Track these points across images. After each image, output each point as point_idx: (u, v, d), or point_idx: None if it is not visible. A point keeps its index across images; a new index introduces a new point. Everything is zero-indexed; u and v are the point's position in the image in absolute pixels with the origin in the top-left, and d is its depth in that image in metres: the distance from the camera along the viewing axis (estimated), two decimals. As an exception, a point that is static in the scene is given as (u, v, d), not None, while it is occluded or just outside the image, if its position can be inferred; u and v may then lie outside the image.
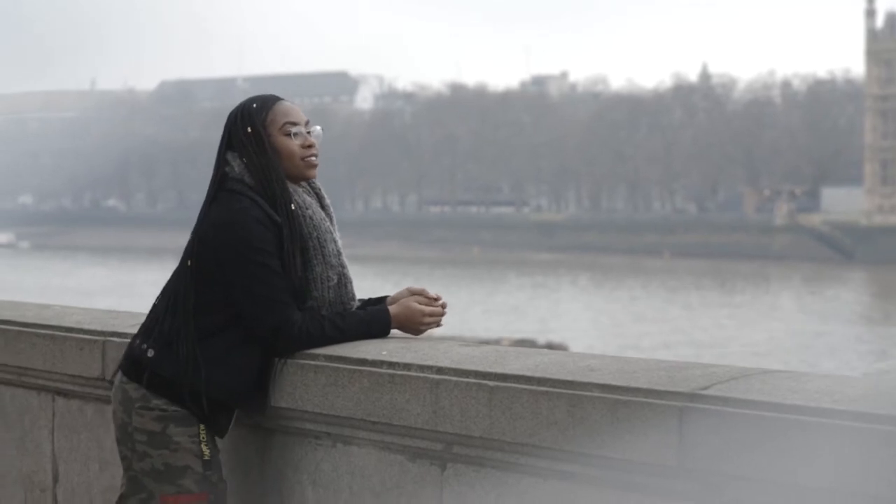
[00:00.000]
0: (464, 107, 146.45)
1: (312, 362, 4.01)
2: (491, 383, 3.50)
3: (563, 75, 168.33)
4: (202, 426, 3.97)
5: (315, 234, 4.03)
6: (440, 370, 3.67)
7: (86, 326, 4.95)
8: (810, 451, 2.83)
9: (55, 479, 5.14)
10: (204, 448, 3.96)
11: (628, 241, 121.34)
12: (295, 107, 4.11)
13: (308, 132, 4.09)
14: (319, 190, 4.20)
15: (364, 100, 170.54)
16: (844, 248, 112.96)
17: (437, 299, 4.18)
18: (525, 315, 60.62)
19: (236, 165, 4.02)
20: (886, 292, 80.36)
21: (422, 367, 3.72)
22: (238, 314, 3.97)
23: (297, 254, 3.99)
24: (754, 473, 2.93)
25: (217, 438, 4.08)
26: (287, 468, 4.16)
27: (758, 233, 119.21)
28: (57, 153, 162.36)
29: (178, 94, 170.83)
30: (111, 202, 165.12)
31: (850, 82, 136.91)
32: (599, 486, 3.28)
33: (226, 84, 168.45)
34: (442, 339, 4.16)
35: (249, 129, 4.03)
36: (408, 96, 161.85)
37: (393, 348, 3.94)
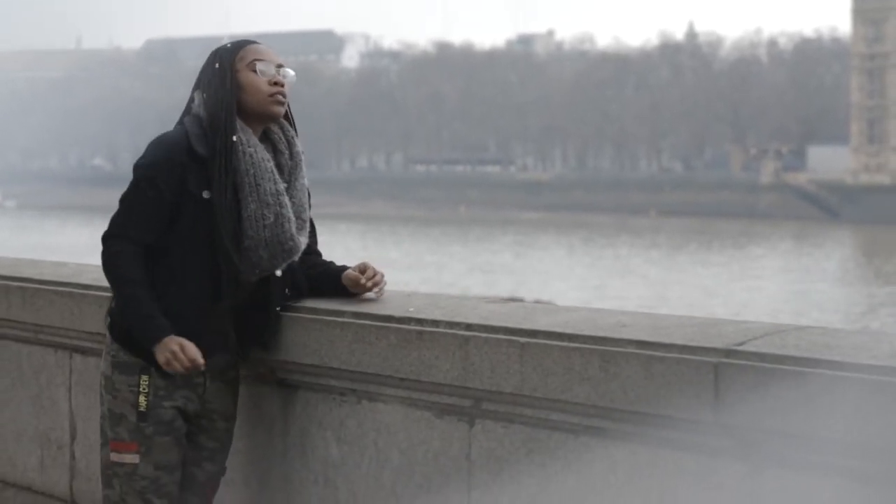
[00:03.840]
0: (450, 65, 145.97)
1: (338, 319, 4.01)
2: (522, 339, 3.51)
3: (550, 34, 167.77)
4: (145, 377, 3.95)
5: (252, 171, 3.95)
6: (469, 327, 3.67)
7: (103, 283, 4.91)
8: (848, 406, 2.84)
9: (72, 437, 5.15)
10: (141, 399, 3.95)
11: (615, 200, 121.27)
12: (270, 50, 4.08)
13: (279, 74, 4.05)
14: (292, 137, 4.13)
15: (350, 58, 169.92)
16: (830, 207, 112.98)
17: (373, 276, 4.14)
18: (512, 273, 60.57)
19: (198, 100, 4.02)
20: (872, 251, 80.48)
21: (451, 324, 3.72)
22: (164, 250, 3.94)
23: (229, 188, 3.92)
24: (791, 429, 2.94)
25: (205, 400, 4.06)
26: (311, 425, 4.17)
27: (744, 191, 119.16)
28: (43, 112, 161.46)
29: (164, 52, 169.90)
30: (97, 161, 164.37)
31: (836, 41, 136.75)
32: (633, 441, 3.29)
33: (212, 43, 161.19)
34: (466, 296, 4.17)
35: (217, 65, 4.02)
36: (394, 55, 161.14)
37: (420, 305, 3.94)
